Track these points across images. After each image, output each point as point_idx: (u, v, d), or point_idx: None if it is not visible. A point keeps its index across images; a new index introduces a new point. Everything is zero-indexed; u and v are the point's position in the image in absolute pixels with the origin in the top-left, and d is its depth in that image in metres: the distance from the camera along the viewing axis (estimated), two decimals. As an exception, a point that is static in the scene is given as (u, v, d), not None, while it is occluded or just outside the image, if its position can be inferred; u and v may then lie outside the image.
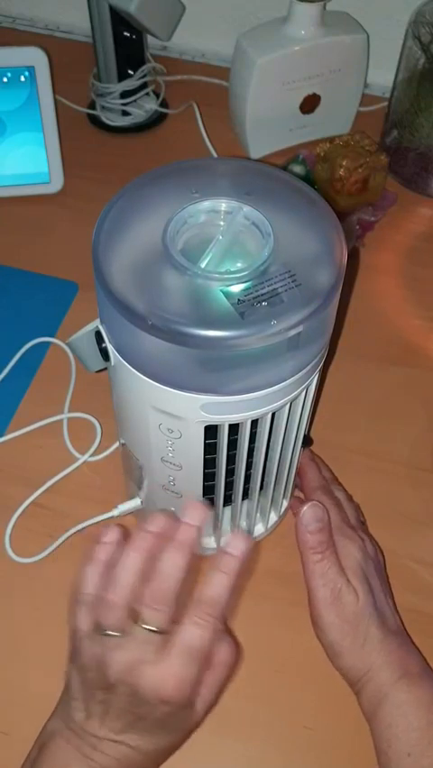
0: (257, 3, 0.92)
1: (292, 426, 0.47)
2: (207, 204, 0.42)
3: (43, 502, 0.59)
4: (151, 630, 0.40)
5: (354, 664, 0.48)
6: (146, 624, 0.40)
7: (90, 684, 0.42)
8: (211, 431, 0.42)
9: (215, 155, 0.85)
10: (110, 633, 0.41)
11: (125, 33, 0.81)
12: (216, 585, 0.41)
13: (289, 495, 0.56)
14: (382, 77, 0.90)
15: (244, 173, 0.44)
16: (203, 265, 0.39)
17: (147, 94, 0.88)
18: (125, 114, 0.88)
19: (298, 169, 0.78)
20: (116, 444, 0.62)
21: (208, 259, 0.40)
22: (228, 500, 0.50)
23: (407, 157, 0.82)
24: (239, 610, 0.50)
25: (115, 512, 0.55)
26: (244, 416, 0.42)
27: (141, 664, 0.40)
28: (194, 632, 0.41)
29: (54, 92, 0.76)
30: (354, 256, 0.76)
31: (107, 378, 0.47)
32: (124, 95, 0.86)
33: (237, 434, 0.44)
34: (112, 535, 0.43)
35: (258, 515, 0.55)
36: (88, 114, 0.89)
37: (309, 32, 0.77)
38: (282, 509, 0.56)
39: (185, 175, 0.43)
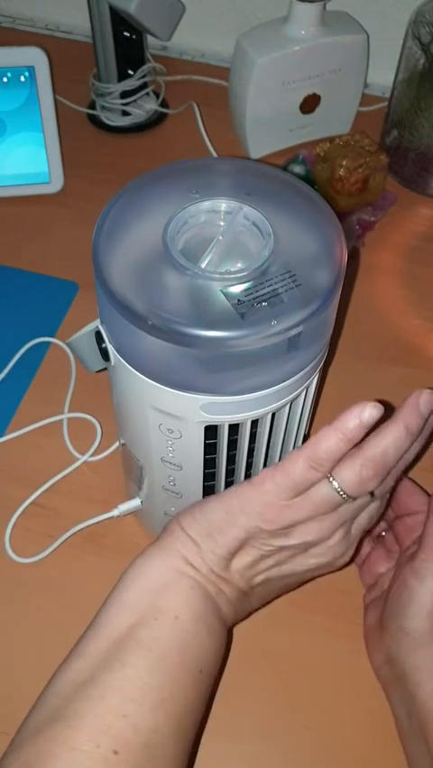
0: (257, 3, 0.92)
1: (292, 426, 0.47)
2: (207, 204, 0.42)
3: (43, 502, 0.59)
4: (370, 497, 0.42)
5: None
6: (374, 494, 0.42)
7: (263, 537, 0.41)
8: (211, 431, 0.42)
9: (215, 155, 0.85)
10: (348, 496, 0.40)
11: (125, 33, 0.81)
12: (408, 456, 0.42)
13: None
14: (382, 77, 0.90)
15: (243, 173, 0.44)
16: (203, 265, 0.39)
17: (147, 94, 0.88)
18: (125, 114, 0.88)
19: (298, 169, 0.78)
20: (116, 444, 0.62)
21: (208, 259, 0.40)
22: (228, 500, 0.50)
23: (407, 157, 0.82)
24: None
25: (115, 512, 0.55)
26: (244, 417, 0.42)
27: (338, 530, 0.42)
28: (380, 507, 0.45)
29: (54, 92, 0.76)
30: (354, 256, 0.76)
31: (107, 378, 0.47)
32: (124, 95, 0.86)
33: (237, 435, 0.44)
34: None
35: (258, 515, 0.55)
36: (88, 114, 0.89)
37: (309, 32, 0.77)
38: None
39: (185, 175, 0.43)
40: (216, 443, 0.44)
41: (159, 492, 0.49)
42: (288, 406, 0.44)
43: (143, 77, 0.86)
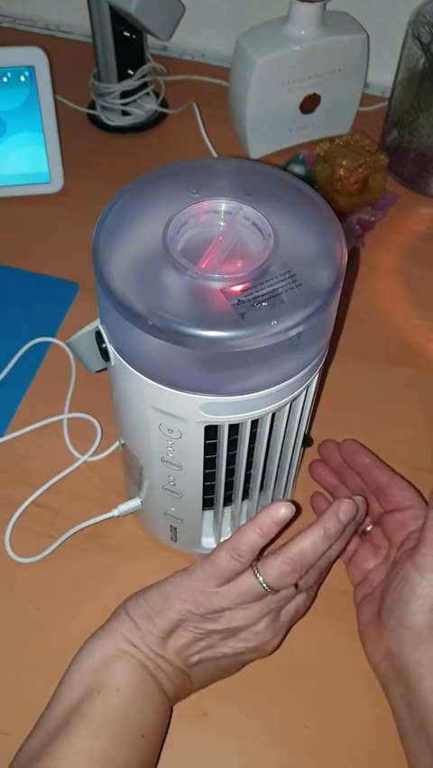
0: (257, 3, 0.92)
1: (292, 426, 0.47)
2: (207, 204, 0.42)
3: (43, 502, 0.59)
4: (294, 589, 0.46)
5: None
6: (298, 587, 0.46)
7: (195, 620, 0.45)
8: (211, 431, 0.42)
9: (215, 155, 0.85)
10: (270, 588, 0.44)
11: (125, 33, 0.81)
12: (331, 554, 0.46)
13: (289, 495, 0.56)
14: (382, 77, 0.90)
15: (244, 173, 0.44)
16: (203, 265, 0.39)
17: (147, 94, 0.88)
18: (125, 114, 0.88)
19: (298, 169, 0.78)
20: (116, 444, 0.62)
21: (208, 259, 0.40)
22: (228, 500, 0.50)
23: (407, 157, 0.82)
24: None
25: (115, 512, 0.55)
26: (244, 417, 0.42)
27: (264, 618, 0.46)
28: (306, 599, 0.49)
29: (54, 92, 0.76)
30: (354, 256, 0.75)
31: (107, 378, 0.47)
32: (124, 95, 0.86)
33: (237, 435, 0.44)
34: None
35: (258, 515, 0.55)
36: (88, 114, 0.89)
37: (309, 32, 0.77)
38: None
39: (185, 175, 0.43)
40: (216, 443, 0.44)
41: (159, 492, 0.49)
42: (288, 406, 0.44)
43: (143, 77, 0.86)
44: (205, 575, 0.44)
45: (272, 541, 0.44)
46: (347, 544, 0.49)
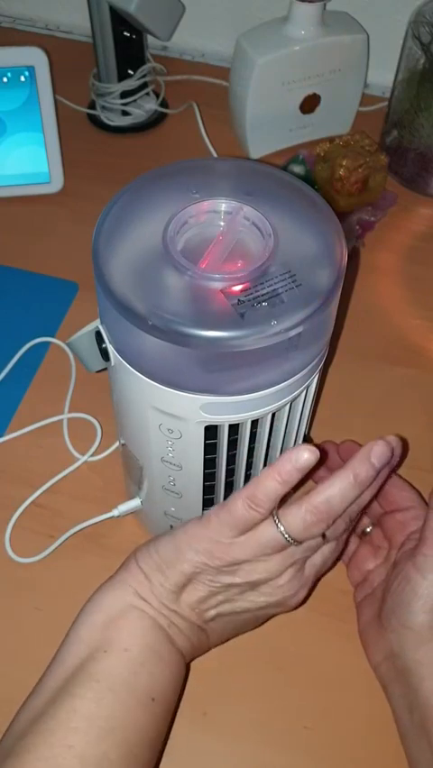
0: (257, 3, 0.92)
1: (292, 426, 0.47)
2: (207, 204, 0.42)
3: (43, 502, 0.59)
4: (321, 539, 0.42)
5: None
6: (326, 536, 0.42)
7: (210, 573, 0.42)
8: (211, 431, 0.42)
9: (215, 155, 0.85)
10: (293, 540, 0.41)
11: (125, 33, 0.81)
12: (363, 500, 0.42)
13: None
14: (382, 77, 0.90)
15: (244, 173, 0.44)
16: (203, 265, 0.39)
17: (147, 94, 0.88)
18: (125, 114, 0.88)
19: (298, 169, 0.78)
20: (116, 444, 0.62)
21: (209, 259, 0.40)
22: (228, 500, 0.50)
23: (407, 157, 0.82)
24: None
25: (115, 512, 0.55)
26: (244, 417, 0.42)
27: (287, 570, 0.43)
28: (335, 549, 0.45)
29: (54, 92, 0.76)
30: (354, 256, 0.76)
31: (107, 378, 0.47)
32: (124, 95, 0.86)
33: (237, 435, 0.44)
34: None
35: (258, 515, 0.55)
36: (88, 114, 0.89)
37: (309, 32, 0.77)
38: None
39: (185, 175, 0.43)
40: (216, 443, 0.44)
41: (159, 492, 0.49)
42: (288, 406, 0.44)
43: (143, 77, 0.86)
44: (220, 524, 0.41)
45: (296, 488, 0.40)
46: (374, 498, 0.45)
